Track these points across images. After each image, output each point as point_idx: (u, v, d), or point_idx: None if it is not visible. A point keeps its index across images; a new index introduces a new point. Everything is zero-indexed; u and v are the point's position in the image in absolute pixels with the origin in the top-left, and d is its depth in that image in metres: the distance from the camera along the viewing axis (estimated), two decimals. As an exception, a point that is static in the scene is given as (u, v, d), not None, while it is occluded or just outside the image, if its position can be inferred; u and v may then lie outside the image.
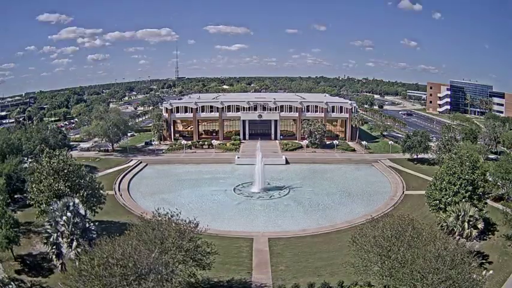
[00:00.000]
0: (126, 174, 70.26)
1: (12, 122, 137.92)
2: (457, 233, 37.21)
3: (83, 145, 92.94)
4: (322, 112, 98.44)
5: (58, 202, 33.23)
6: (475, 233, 38.01)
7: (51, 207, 33.04)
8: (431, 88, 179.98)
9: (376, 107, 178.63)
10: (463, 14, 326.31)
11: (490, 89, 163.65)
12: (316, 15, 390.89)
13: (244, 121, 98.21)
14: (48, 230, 31.99)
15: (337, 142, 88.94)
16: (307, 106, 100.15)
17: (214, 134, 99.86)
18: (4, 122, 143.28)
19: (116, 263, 23.30)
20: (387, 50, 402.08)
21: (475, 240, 38.81)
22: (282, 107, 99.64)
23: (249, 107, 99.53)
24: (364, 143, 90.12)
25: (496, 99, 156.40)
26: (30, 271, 35.76)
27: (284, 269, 36.71)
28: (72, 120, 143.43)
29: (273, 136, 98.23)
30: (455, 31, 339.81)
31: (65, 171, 40.30)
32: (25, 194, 50.82)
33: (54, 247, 31.53)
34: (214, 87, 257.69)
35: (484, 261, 35.74)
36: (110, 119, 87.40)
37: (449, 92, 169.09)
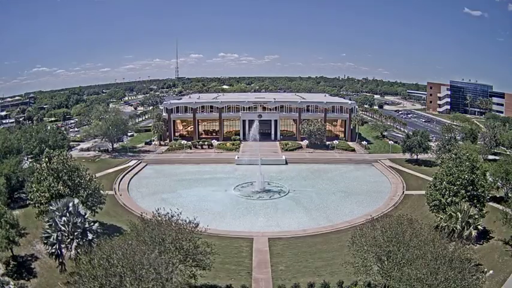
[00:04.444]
0: (126, 174, 70.21)
1: (12, 122, 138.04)
2: (457, 234, 37.18)
3: (83, 145, 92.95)
4: (322, 112, 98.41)
5: (58, 202, 33.19)
6: (474, 233, 38.02)
7: (51, 208, 33.01)
8: (431, 88, 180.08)
9: (376, 107, 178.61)
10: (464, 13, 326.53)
11: (490, 88, 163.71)
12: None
13: (244, 121, 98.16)
14: (47, 230, 31.95)
15: (337, 142, 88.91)
16: (307, 106, 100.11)
17: (214, 134, 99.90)
18: (4, 122, 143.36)
19: (116, 263, 23.29)
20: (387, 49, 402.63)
21: (475, 241, 38.79)
22: (282, 107, 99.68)
23: (249, 107, 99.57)
24: (364, 143, 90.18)
25: (495, 99, 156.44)
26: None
27: (284, 269, 36.69)
28: (71, 121, 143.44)
29: (273, 136, 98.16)
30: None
31: (65, 171, 40.29)
32: (24, 194, 51.00)
33: (54, 247, 31.45)
34: (214, 87, 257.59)
35: (483, 261, 35.72)
36: (109, 119, 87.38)
37: (449, 92, 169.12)
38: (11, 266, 36.48)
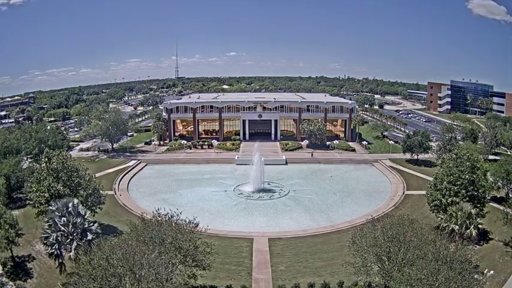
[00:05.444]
0: (126, 174, 70.11)
1: (12, 122, 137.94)
2: (457, 234, 37.04)
3: (83, 145, 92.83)
4: (322, 112, 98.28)
5: (57, 202, 33.07)
6: (475, 233, 37.88)
7: (51, 208, 32.90)
8: (431, 88, 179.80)
9: (376, 107, 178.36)
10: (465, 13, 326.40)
11: (491, 88, 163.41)
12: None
13: (244, 121, 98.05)
14: (47, 231, 31.83)
15: (338, 142, 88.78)
16: (308, 106, 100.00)
17: (214, 134, 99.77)
18: (4, 122, 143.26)
19: (115, 263, 23.19)
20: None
21: (475, 241, 38.67)
22: (282, 106, 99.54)
23: (249, 107, 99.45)
24: (364, 143, 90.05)
25: (496, 99, 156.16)
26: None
27: (284, 269, 36.60)
28: (71, 121, 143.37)
29: (273, 136, 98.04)
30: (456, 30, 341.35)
31: (65, 171, 40.19)
32: (22, 194, 50.91)
33: (53, 248, 31.31)
34: (214, 87, 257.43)
35: (484, 261, 35.58)
36: (109, 119, 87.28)
37: (449, 92, 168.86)
38: (10, 266, 36.43)
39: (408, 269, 24.45)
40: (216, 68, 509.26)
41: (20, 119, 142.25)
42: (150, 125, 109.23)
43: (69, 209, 32.33)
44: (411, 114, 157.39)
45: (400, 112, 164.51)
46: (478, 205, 41.28)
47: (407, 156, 76.61)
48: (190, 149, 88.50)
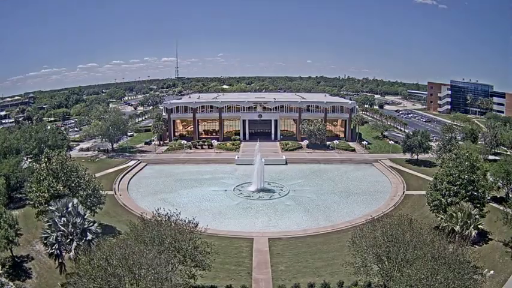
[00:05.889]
0: (126, 174, 70.11)
1: (12, 122, 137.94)
2: (457, 234, 37.04)
3: (82, 145, 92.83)
4: (322, 112, 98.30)
5: (57, 202, 33.06)
6: (475, 233, 37.89)
7: (51, 208, 32.88)
8: (431, 88, 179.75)
9: (376, 107, 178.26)
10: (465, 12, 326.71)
11: (491, 88, 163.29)
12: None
13: (244, 121, 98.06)
14: (47, 231, 31.81)
15: (337, 142, 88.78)
16: (308, 106, 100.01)
17: (214, 134, 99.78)
18: (4, 122, 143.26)
19: (115, 263, 23.19)
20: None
21: (475, 241, 38.68)
22: (282, 106, 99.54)
23: (249, 107, 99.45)
24: (364, 143, 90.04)
25: (496, 99, 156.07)
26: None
27: (284, 269, 36.60)
28: (71, 121, 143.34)
29: (273, 136, 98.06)
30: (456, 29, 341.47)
31: (65, 171, 40.20)
32: (21, 194, 50.90)
33: (53, 248, 31.29)
34: (214, 87, 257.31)
35: (484, 261, 35.56)
36: (109, 119, 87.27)
37: (449, 92, 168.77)
38: (10, 266, 36.39)
39: (408, 269, 24.44)
40: (216, 68, 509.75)
41: (20, 119, 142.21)
42: (150, 125, 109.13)
43: (69, 209, 32.31)
44: (411, 114, 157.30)
45: (400, 112, 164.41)
46: (478, 205, 41.24)
47: (407, 156, 76.61)
48: (190, 149, 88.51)
